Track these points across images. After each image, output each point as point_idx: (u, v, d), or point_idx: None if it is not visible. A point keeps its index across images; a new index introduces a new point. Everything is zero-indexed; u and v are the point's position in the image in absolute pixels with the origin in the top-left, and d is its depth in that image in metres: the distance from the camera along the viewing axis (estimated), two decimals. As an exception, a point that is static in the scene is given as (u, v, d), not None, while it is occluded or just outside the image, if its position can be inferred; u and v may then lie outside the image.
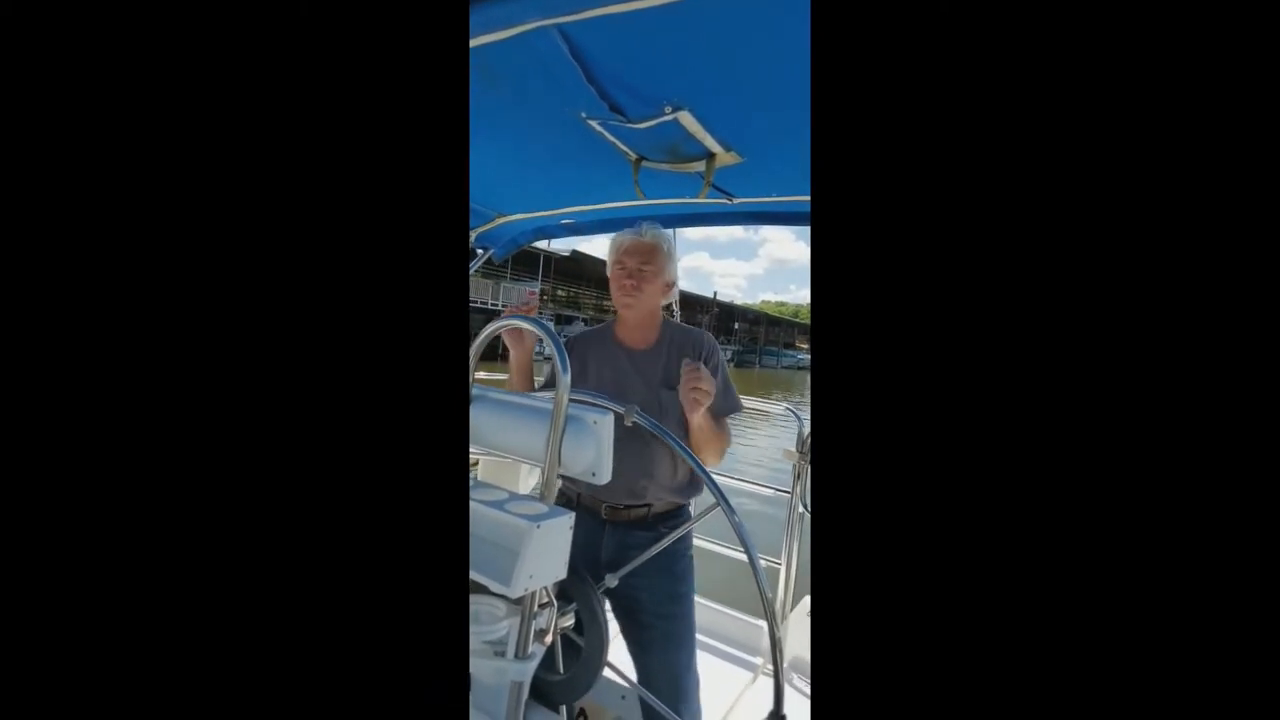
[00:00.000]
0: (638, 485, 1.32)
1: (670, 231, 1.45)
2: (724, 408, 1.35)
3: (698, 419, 1.24)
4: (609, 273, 1.42)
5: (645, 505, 1.34)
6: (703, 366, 1.21)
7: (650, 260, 1.36)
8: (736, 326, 58.72)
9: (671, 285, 1.43)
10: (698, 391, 1.18)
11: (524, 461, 0.92)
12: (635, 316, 1.37)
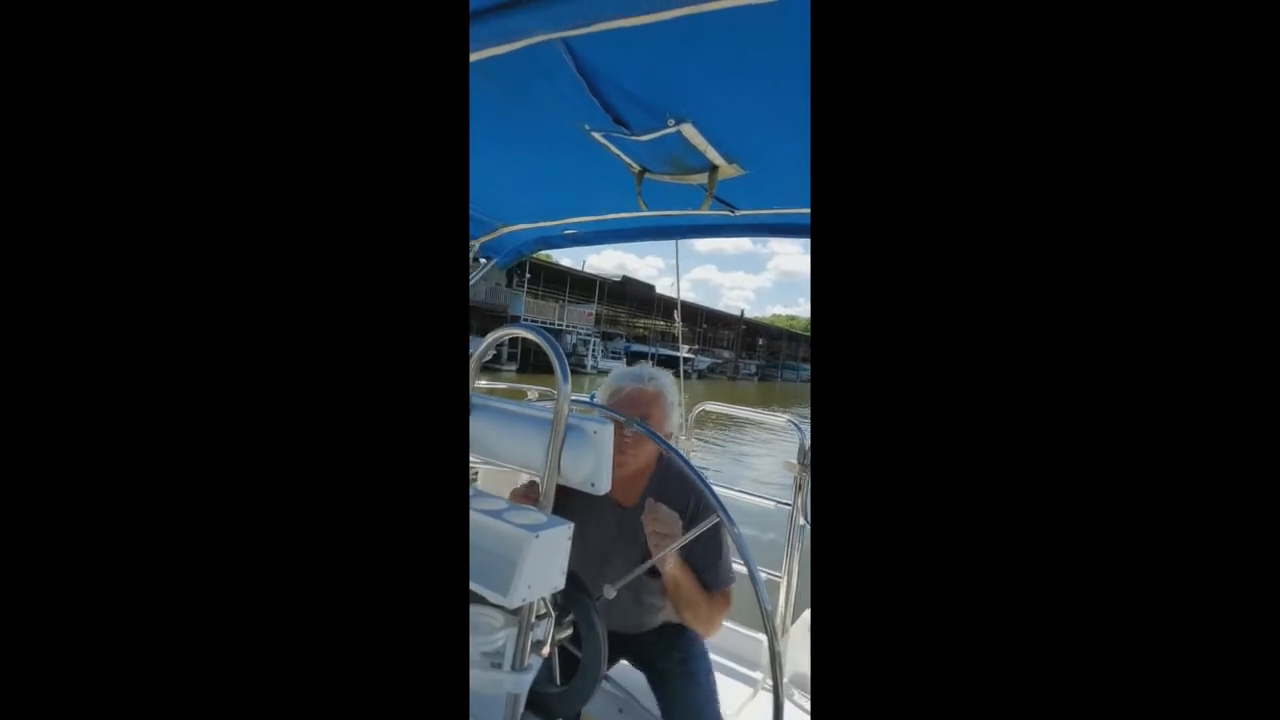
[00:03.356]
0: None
1: (671, 375, 1.19)
2: (715, 579, 1.03)
3: (671, 571, 0.98)
4: None
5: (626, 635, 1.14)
6: (661, 506, 0.95)
7: (650, 413, 1.10)
8: (760, 343, 57.58)
9: (670, 438, 1.15)
10: (655, 535, 0.93)
11: (523, 471, 0.82)
12: (625, 475, 1.10)
